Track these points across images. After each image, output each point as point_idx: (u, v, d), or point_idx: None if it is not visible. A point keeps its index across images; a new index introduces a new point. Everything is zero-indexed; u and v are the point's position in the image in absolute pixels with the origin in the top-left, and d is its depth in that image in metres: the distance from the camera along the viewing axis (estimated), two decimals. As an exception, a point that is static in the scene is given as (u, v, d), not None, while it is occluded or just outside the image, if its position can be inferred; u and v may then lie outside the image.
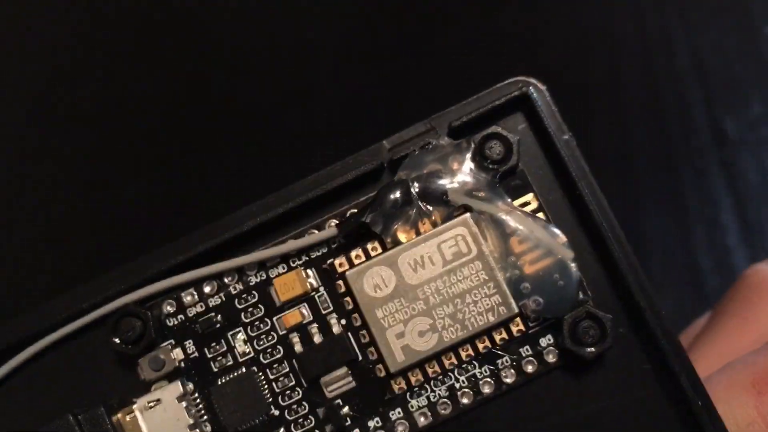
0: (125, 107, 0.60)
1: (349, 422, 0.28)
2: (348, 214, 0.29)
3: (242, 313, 0.29)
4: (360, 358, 0.29)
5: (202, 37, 0.62)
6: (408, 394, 0.28)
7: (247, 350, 0.29)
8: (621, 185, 0.57)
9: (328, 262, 0.29)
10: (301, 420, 0.29)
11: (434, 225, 0.28)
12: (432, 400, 0.28)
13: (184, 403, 0.28)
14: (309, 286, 0.29)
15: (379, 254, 0.29)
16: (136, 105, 0.60)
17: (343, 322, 0.29)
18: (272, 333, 0.29)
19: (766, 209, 0.58)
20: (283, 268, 0.29)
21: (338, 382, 0.29)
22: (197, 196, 0.57)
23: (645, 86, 0.60)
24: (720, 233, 0.58)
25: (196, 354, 0.29)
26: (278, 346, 0.29)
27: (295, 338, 0.29)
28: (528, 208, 0.29)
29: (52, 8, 0.63)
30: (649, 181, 0.59)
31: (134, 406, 0.28)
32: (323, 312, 0.29)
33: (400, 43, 0.60)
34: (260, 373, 0.29)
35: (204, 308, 0.29)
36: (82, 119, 0.60)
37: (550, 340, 0.28)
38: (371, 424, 0.28)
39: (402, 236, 0.29)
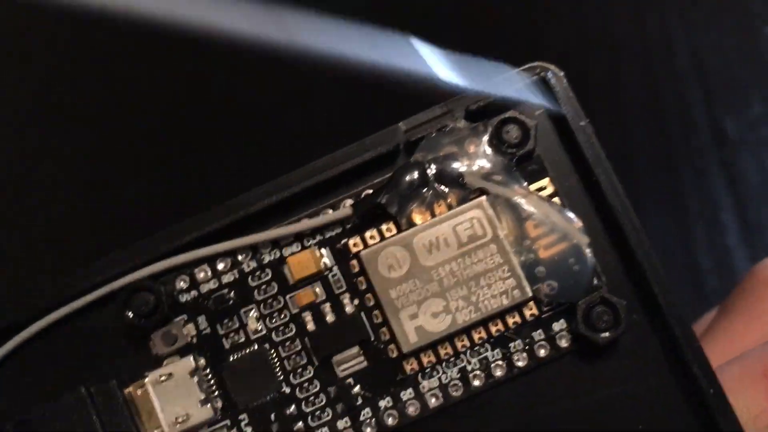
0: (125, 107, 0.60)
1: (360, 401, 0.29)
2: (363, 195, 0.29)
3: (255, 291, 0.29)
4: (372, 338, 0.29)
5: (203, 37, 0.62)
6: (420, 375, 0.28)
7: (260, 328, 0.29)
8: (621, 185, 0.57)
9: (343, 242, 0.29)
10: (312, 398, 0.29)
11: (450, 207, 0.28)
12: (443, 381, 0.28)
13: (195, 378, 0.28)
14: (323, 266, 0.29)
15: (394, 235, 0.29)
16: (136, 105, 0.60)
17: (356, 301, 0.29)
18: (285, 311, 0.29)
19: (766, 209, 0.58)
20: (297, 247, 0.29)
21: (350, 361, 0.29)
22: (197, 196, 0.57)
23: (645, 86, 0.60)
24: (720, 233, 0.58)
25: (209, 330, 0.29)
26: (291, 325, 0.29)
27: (308, 317, 0.29)
28: (544, 193, 0.29)
29: (53, 7, 0.63)
30: (648, 181, 0.59)
31: (146, 380, 0.28)
32: (336, 291, 0.29)
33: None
34: (272, 351, 0.29)
35: (217, 285, 0.29)
36: (82, 119, 0.60)
37: (563, 324, 0.28)
38: (382, 403, 0.28)
39: (417, 218, 0.29)
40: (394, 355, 0.28)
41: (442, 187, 0.28)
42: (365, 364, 0.29)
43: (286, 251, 0.29)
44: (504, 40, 0.60)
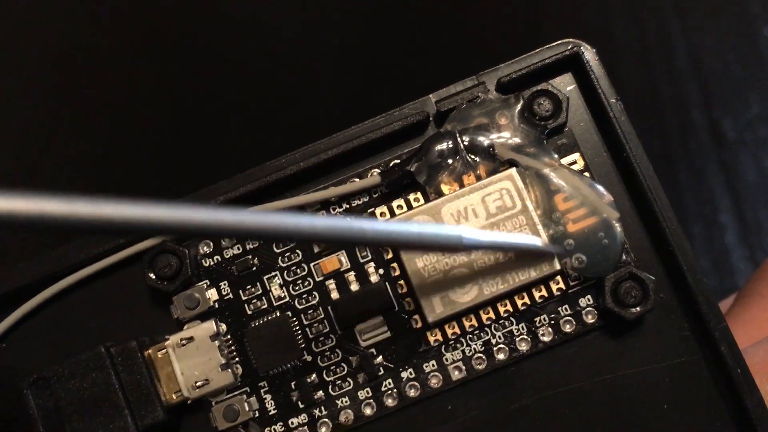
0: (125, 107, 0.60)
1: (382, 372, 0.28)
2: (391, 165, 0.29)
3: (279, 258, 0.29)
4: (396, 308, 0.28)
5: (204, 37, 0.62)
6: (443, 347, 0.28)
7: (283, 295, 0.29)
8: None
9: (369, 210, 0.29)
10: (333, 367, 0.28)
11: (479, 178, 0.28)
12: (467, 354, 0.28)
13: (216, 343, 0.28)
14: (349, 234, 0.29)
15: (422, 205, 0.28)
16: (138, 107, 0.60)
17: (381, 271, 0.29)
18: (309, 279, 0.29)
19: (764, 209, 0.58)
20: (323, 215, 0.29)
21: (373, 331, 0.28)
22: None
23: (644, 86, 0.60)
24: (718, 233, 0.58)
25: (231, 296, 0.29)
26: (314, 292, 0.29)
27: (332, 285, 0.29)
28: (574, 167, 0.29)
29: (53, 7, 0.63)
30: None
31: (166, 343, 0.28)
32: (361, 261, 0.29)
33: (400, 42, 0.61)
34: (294, 318, 0.29)
35: (241, 250, 0.29)
36: (82, 119, 0.60)
37: (589, 300, 0.28)
38: (404, 375, 0.28)
39: (445, 188, 0.28)
40: (418, 325, 0.28)
41: (472, 157, 0.28)
42: (388, 334, 0.28)
43: (312, 218, 0.29)
44: (504, 39, 0.60)
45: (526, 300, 0.28)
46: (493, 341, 0.28)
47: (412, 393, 0.28)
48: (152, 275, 0.28)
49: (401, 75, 0.59)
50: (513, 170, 0.28)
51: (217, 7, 0.62)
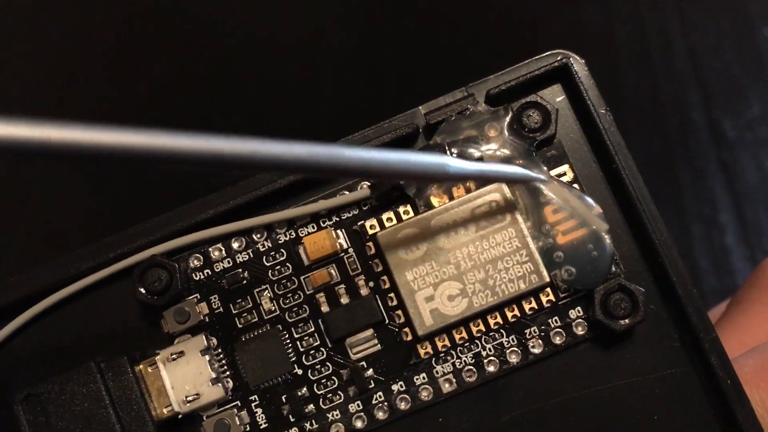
0: (126, 108, 0.60)
1: (372, 385, 0.28)
2: (381, 177, 0.29)
3: (269, 271, 0.29)
4: (387, 320, 0.28)
5: (204, 37, 0.62)
6: (434, 359, 0.28)
7: (273, 308, 0.29)
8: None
9: (359, 223, 0.29)
10: (324, 380, 0.28)
11: (468, 191, 0.28)
12: (458, 366, 0.28)
13: (207, 357, 0.28)
14: (338, 247, 0.29)
15: (411, 217, 0.28)
16: (138, 107, 0.60)
17: (371, 284, 0.29)
18: (299, 292, 0.29)
19: (764, 209, 0.58)
20: (313, 228, 0.29)
21: (363, 344, 0.28)
22: (198, 197, 0.57)
23: (644, 86, 0.60)
24: (718, 233, 0.58)
25: (221, 309, 0.29)
26: (304, 306, 0.29)
27: (322, 298, 0.29)
28: (563, 179, 0.29)
29: (53, 6, 0.63)
30: (647, 181, 0.59)
31: (157, 358, 0.28)
32: (351, 273, 0.29)
33: (400, 42, 0.61)
34: (285, 332, 0.29)
35: (231, 264, 0.29)
36: (82, 118, 0.60)
37: (579, 312, 0.28)
38: (395, 387, 0.28)
39: (434, 201, 0.28)
40: (408, 338, 0.28)
41: (461, 170, 0.28)
42: (379, 347, 0.28)
43: (302, 231, 0.29)
44: (503, 39, 0.60)
45: (516, 312, 0.28)
46: (484, 353, 0.28)
47: (402, 406, 0.28)
48: (142, 290, 0.28)
49: (399, 80, 0.59)
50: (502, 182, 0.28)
51: (214, 14, 0.62)
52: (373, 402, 0.28)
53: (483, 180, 0.27)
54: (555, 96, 0.30)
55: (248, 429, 0.28)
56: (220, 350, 0.29)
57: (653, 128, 0.60)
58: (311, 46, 0.61)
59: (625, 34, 0.61)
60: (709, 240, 0.58)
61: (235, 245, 0.29)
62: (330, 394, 0.28)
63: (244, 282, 0.29)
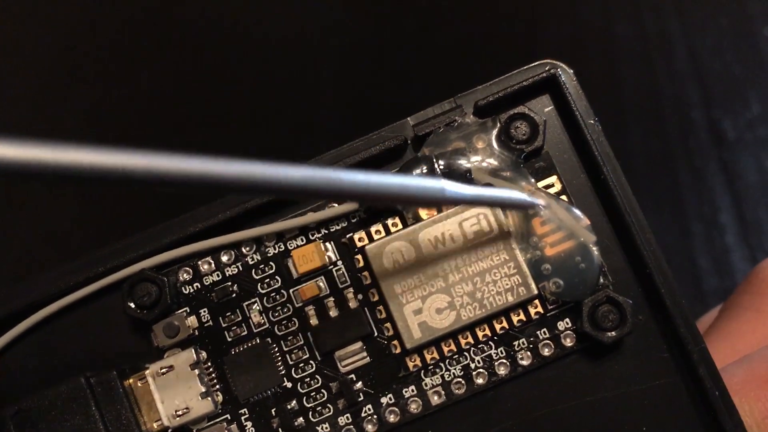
0: (126, 109, 0.60)
1: (361, 398, 0.28)
2: (369, 190, 0.29)
3: (259, 284, 0.29)
4: (375, 333, 0.28)
5: (205, 37, 0.62)
6: (422, 371, 0.28)
7: (262, 321, 0.29)
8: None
9: (348, 236, 0.29)
10: (313, 393, 0.28)
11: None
12: (446, 379, 0.28)
13: (196, 371, 0.28)
14: (327, 260, 0.29)
15: (400, 230, 0.28)
16: (137, 107, 0.60)
17: (360, 296, 0.29)
18: (288, 305, 0.29)
19: (764, 209, 0.58)
20: (302, 241, 0.29)
21: (352, 357, 0.28)
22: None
23: (644, 86, 0.60)
24: (718, 233, 0.58)
25: (211, 323, 0.29)
26: (293, 319, 0.29)
27: (311, 311, 0.29)
28: (551, 191, 0.29)
29: (53, 6, 0.63)
30: (647, 181, 0.59)
31: (146, 372, 0.28)
32: (340, 286, 0.29)
33: (401, 42, 0.61)
34: (274, 345, 0.29)
35: (220, 277, 0.29)
36: (82, 118, 0.60)
37: (567, 323, 0.28)
38: (384, 400, 0.28)
39: (423, 213, 0.28)
40: (397, 351, 0.28)
41: (449, 183, 0.28)
42: (368, 359, 0.28)
43: (291, 244, 0.29)
44: (503, 39, 0.60)
45: (505, 324, 0.28)
46: (472, 366, 0.28)
47: (392, 418, 0.28)
48: (131, 304, 0.28)
49: (399, 80, 0.59)
50: (490, 195, 0.28)
51: (212, 15, 0.62)
52: (363, 415, 0.28)
53: (479, 204, 0.27)
54: (543, 106, 0.30)
55: (238, 442, 0.28)
56: (209, 364, 0.29)
57: (653, 128, 0.60)
58: (311, 47, 0.60)
59: (625, 34, 0.61)
60: (709, 240, 0.58)
61: (224, 258, 0.29)
62: (319, 407, 0.28)
63: (234, 295, 0.29)
